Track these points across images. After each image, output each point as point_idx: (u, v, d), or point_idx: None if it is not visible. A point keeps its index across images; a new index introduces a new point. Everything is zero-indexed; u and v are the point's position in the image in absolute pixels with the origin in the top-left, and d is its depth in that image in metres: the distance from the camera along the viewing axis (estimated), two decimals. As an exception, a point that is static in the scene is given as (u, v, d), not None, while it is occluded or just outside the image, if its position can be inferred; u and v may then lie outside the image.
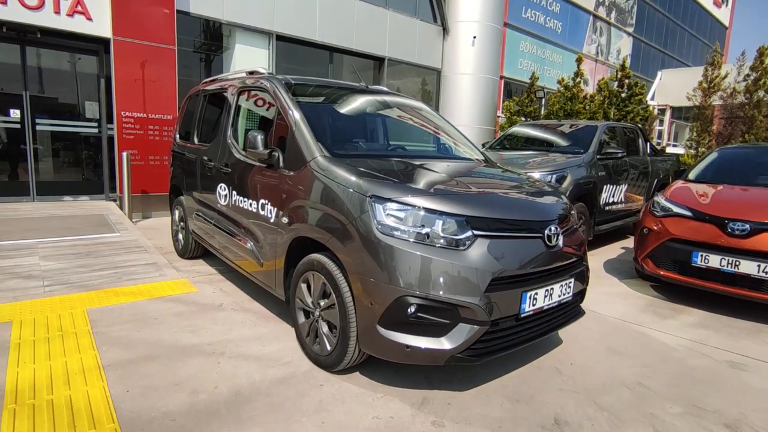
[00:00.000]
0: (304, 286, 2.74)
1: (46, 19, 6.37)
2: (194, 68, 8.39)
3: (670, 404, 2.48)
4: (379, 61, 10.63)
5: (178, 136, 4.98)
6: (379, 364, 2.65)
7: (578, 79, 11.55)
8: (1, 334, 2.83)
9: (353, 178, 2.49)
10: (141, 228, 6.25)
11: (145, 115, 7.20)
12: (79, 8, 6.54)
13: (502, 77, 13.59)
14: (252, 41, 8.60)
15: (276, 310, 3.49)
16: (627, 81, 11.28)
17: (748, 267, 3.65)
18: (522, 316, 2.39)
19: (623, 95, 11.17)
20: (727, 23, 30.52)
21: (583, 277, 2.82)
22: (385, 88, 4.26)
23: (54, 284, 3.71)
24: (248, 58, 8.49)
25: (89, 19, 6.64)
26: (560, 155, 5.89)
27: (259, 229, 3.16)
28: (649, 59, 22.37)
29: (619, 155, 5.97)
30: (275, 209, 2.96)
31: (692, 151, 11.63)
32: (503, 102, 13.18)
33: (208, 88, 4.42)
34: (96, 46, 7.07)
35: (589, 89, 14.20)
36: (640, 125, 8.55)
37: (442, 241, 2.26)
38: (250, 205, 3.26)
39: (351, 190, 2.45)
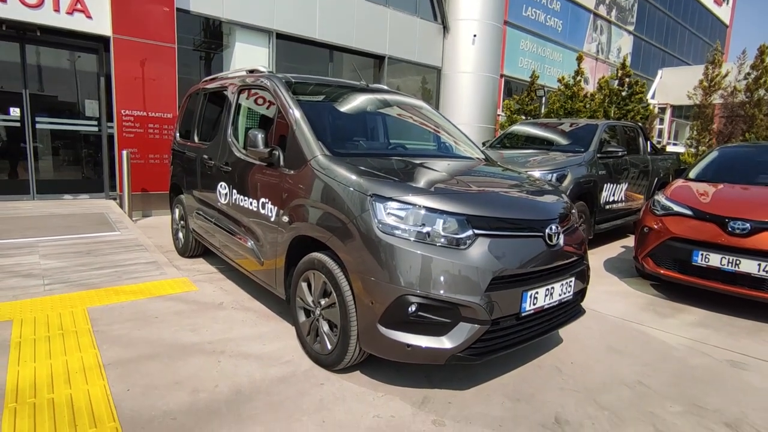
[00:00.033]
0: (304, 284, 2.74)
1: (45, 17, 6.36)
2: (194, 66, 8.38)
3: (671, 403, 2.48)
4: (379, 59, 10.62)
5: (178, 134, 4.97)
6: (380, 363, 2.65)
7: (578, 78, 11.53)
8: (2, 333, 2.83)
9: (354, 177, 2.49)
10: (141, 226, 6.25)
11: (145, 113, 7.20)
12: (79, 6, 6.53)
13: (502, 76, 13.57)
14: (252, 39, 8.58)
15: (276, 309, 3.49)
16: (627, 79, 11.26)
17: (749, 266, 3.65)
18: (523, 315, 2.39)
19: (624, 94, 11.16)
20: (727, 21, 30.48)
21: (583, 276, 2.82)
22: (386, 87, 4.25)
23: (54, 283, 3.71)
24: (248, 57, 8.47)
25: (89, 17, 6.63)
26: (561, 154, 5.89)
27: (260, 227, 3.16)
28: (650, 58, 22.34)
29: (620, 154, 5.96)
30: (276, 208, 2.96)
31: (692, 150, 11.62)
32: (503, 100, 13.17)
33: (209, 86, 4.41)
34: (96, 44, 7.06)
35: (590, 88, 14.18)
36: (640, 124, 8.54)
37: (442, 240, 2.26)
38: (251, 203, 3.26)
39: (352, 188, 2.45)
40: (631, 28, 20.29)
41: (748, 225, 3.71)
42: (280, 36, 8.80)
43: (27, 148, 6.91)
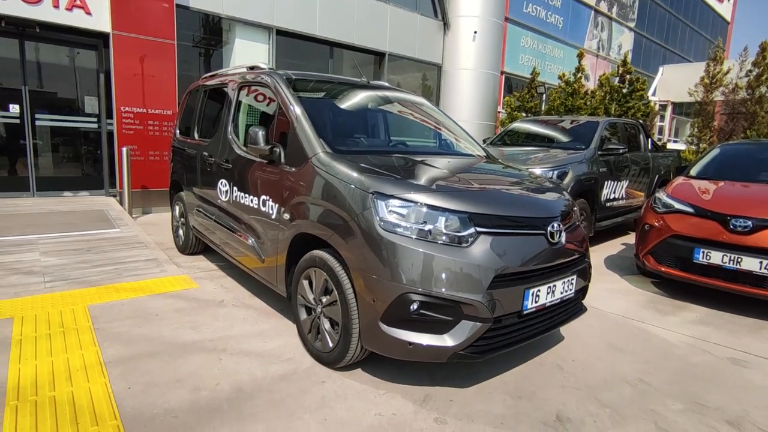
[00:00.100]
0: (305, 282, 2.74)
1: (44, 13, 6.33)
2: (194, 63, 8.35)
3: (672, 401, 2.48)
4: (379, 56, 10.58)
5: (178, 131, 4.96)
6: (382, 361, 2.65)
7: (579, 75, 11.50)
8: (3, 331, 2.83)
9: (355, 175, 2.48)
10: (141, 224, 6.24)
11: (145, 110, 7.18)
12: (78, 2, 6.50)
13: (502, 72, 13.54)
14: (252, 36, 8.55)
15: (277, 307, 3.49)
16: (628, 76, 11.23)
17: (750, 264, 3.65)
18: (524, 313, 2.39)
19: (624, 91, 11.12)
20: (728, 18, 30.38)
21: (585, 274, 2.81)
22: (386, 84, 4.23)
23: (55, 280, 3.70)
24: (248, 53, 8.44)
25: (88, 13, 6.60)
26: (561, 151, 5.87)
27: (261, 225, 3.15)
28: (651, 54, 22.28)
29: (621, 151, 5.94)
30: (276, 205, 2.95)
31: (693, 147, 11.60)
32: (504, 97, 13.13)
33: (209, 83, 4.40)
34: (95, 40, 7.03)
35: (590, 85, 14.15)
36: (641, 121, 8.52)
37: (444, 237, 2.25)
38: (251, 201, 3.25)
39: (353, 186, 2.44)
40: (632, 24, 20.22)
41: (749, 222, 3.70)
42: (280, 32, 8.77)
43: (27, 144, 6.89)
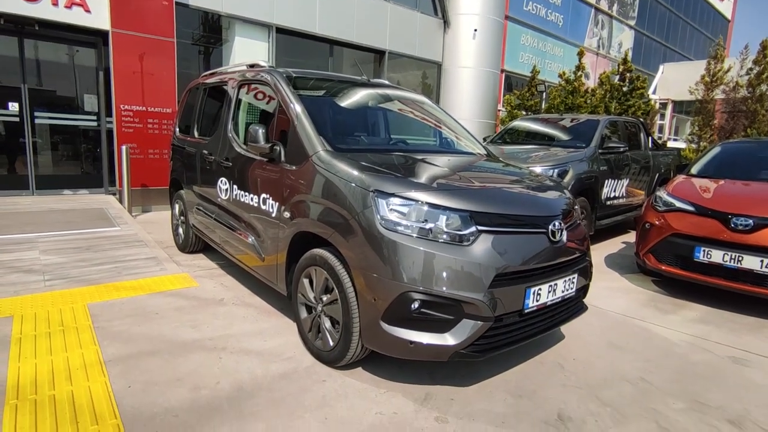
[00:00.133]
0: (306, 281, 2.73)
1: (43, 10, 6.31)
2: (193, 61, 8.33)
3: (673, 400, 2.48)
4: (379, 54, 10.56)
5: (177, 129, 4.94)
6: (382, 360, 2.64)
7: (579, 73, 11.49)
8: (2, 329, 2.82)
9: (356, 173, 2.47)
10: (141, 222, 6.23)
11: (144, 108, 7.16)
12: (77, 0, 6.48)
13: (502, 71, 13.52)
14: (252, 34, 8.53)
15: (277, 305, 3.48)
16: (629, 75, 11.21)
17: (751, 262, 3.64)
18: (526, 311, 2.38)
19: (625, 89, 11.11)
20: (729, 16, 30.34)
21: (586, 273, 2.81)
22: (387, 82, 4.22)
23: (54, 278, 3.70)
24: (248, 51, 8.42)
25: (87, 11, 6.58)
26: (562, 149, 5.86)
27: (261, 223, 3.15)
28: (651, 53, 22.26)
29: (621, 149, 5.94)
30: (277, 204, 2.94)
31: (693, 146, 11.59)
32: (504, 96, 13.12)
33: (208, 81, 4.38)
34: (94, 38, 7.01)
35: (591, 83, 14.13)
36: (641, 119, 8.51)
37: (445, 236, 2.24)
38: (252, 199, 3.24)
39: (354, 184, 2.43)
40: (632, 22, 20.19)
41: (750, 221, 3.69)
42: (280, 30, 8.75)
43: (26, 143, 6.88)
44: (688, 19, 25.58)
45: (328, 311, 2.58)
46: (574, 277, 2.63)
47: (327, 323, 2.59)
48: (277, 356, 2.70)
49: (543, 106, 12.10)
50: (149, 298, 3.46)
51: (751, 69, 11.08)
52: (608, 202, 6.00)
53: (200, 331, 2.98)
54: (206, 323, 3.10)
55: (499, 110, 12.64)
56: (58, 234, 4.95)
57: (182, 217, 4.78)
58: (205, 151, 3.99)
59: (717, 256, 3.81)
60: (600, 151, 5.80)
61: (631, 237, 6.54)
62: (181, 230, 4.87)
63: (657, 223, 4.26)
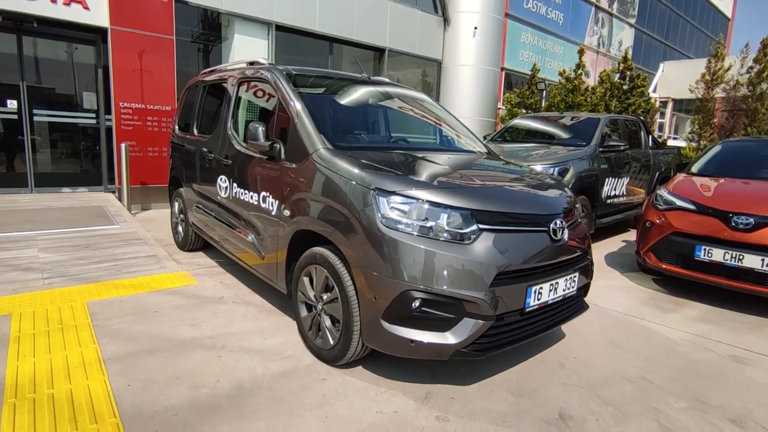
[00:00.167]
0: (306, 279, 2.72)
1: (42, 7, 6.28)
2: (193, 59, 8.30)
3: (674, 399, 2.47)
4: (379, 52, 10.53)
5: (177, 127, 4.92)
6: (383, 358, 2.63)
7: (580, 71, 11.46)
8: (1, 327, 2.81)
9: (356, 171, 2.46)
10: (140, 220, 6.22)
11: (144, 105, 7.14)
12: (76, -3, 6.46)
13: (503, 69, 13.48)
14: (251, 31, 8.50)
15: (277, 304, 3.47)
16: (629, 73, 11.19)
17: (752, 261, 3.64)
18: (527, 310, 2.37)
19: (625, 87, 11.09)
20: (729, 15, 30.31)
21: (587, 271, 2.80)
22: (387, 79, 4.21)
23: (53, 276, 3.68)
24: (247, 49, 8.39)
25: (86, 8, 6.55)
26: (562, 148, 5.85)
27: (261, 221, 3.13)
28: (651, 51, 22.23)
29: (621, 148, 5.93)
30: (277, 202, 2.93)
31: (694, 144, 11.59)
32: (504, 94, 13.09)
33: (208, 78, 4.36)
34: (93, 35, 6.98)
35: (591, 81, 14.11)
36: (642, 118, 8.50)
37: (446, 234, 2.23)
38: (251, 197, 3.22)
39: (354, 182, 2.42)
40: (632, 21, 20.16)
41: (751, 220, 3.68)
42: (280, 28, 8.72)
43: (25, 140, 6.86)
44: (689, 18, 25.54)
45: (329, 310, 2.57)
46: (575, 276, 2.63)
47: (327, 322, 2.58)
48: (277, 355, 2.70)
49: (543, 105, 12.08)
50: (149, 296, 3.45)
51: (751, 67, 11.07)
52: (608, 201, 5.99)
53: (200, 329, 2.97)
54: (206, 321, 3.09)
55: (499, 108, 12.62)
56: (57, 232, 4.93)
57: (182, 215, 4.77)
58: (205, 149, 3.97)
59: (717, 254, 3.80)
60: (600, 149, 5.79)
61: (631, 235, 6.54)
62: (180, 228, 4.86)
63: (657, 221, 4.25)
